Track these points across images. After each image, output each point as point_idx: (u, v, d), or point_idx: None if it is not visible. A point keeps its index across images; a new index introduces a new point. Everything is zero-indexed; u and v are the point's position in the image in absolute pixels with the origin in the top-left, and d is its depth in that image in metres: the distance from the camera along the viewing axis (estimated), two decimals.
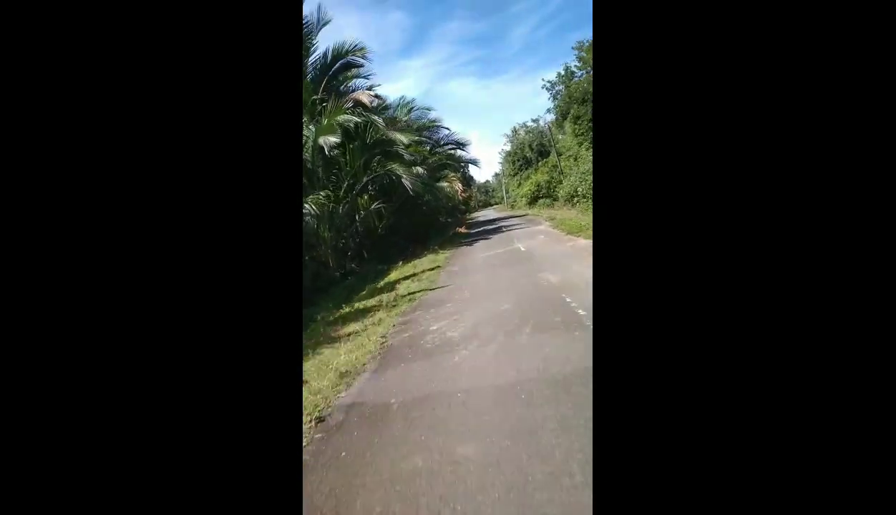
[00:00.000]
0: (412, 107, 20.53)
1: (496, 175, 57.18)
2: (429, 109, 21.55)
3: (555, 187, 31.79)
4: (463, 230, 23.55)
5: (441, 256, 13.52)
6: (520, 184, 40.52)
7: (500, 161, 51.06)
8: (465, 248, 14.83)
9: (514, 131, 47.01)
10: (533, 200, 34.39)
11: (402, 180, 13.86)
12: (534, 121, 44.34)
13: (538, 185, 33.79)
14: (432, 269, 10.94)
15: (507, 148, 47.85)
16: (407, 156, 14.95)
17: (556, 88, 35.33)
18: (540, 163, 37.88)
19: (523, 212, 31.21)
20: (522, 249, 11.52)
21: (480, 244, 15.28)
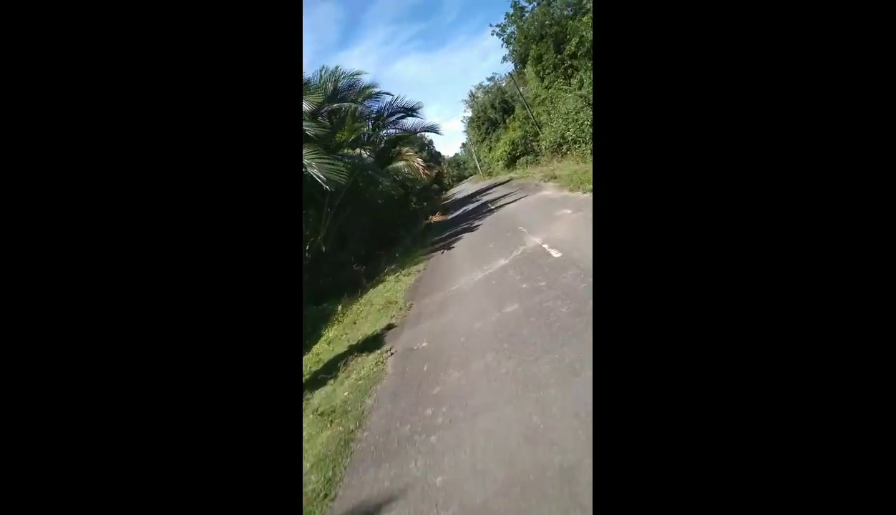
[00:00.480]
0: (339, 77, 13.90)
1: (463, 145, 50.36)
2: (358, 74, 14.68)
3: (531, 140, 25.54)
4: (438, 218, 17.05)
5: (401, 285, 7.24)
6: (490, 149, 33.90)
7: (464, 130, 44.40)
8: (441, 260, 8.41)
9: (472, 96, 40.55)
10: (511, 161, 28.02)
11: (310, 171, 7.45)
12: (489, 79, 38.08)
13: (513, 143, 27.45)
14: (370, 363, 4.58)
15: (469, 114, 41.12)
16: (311, 131, 8.43)
17: (509, 31, 28.60)
18: (508, 121, 31.35)
19: (506, 177, 24.62)
20: (554, 254, 5.18)
21: (465, 243, 8.91)
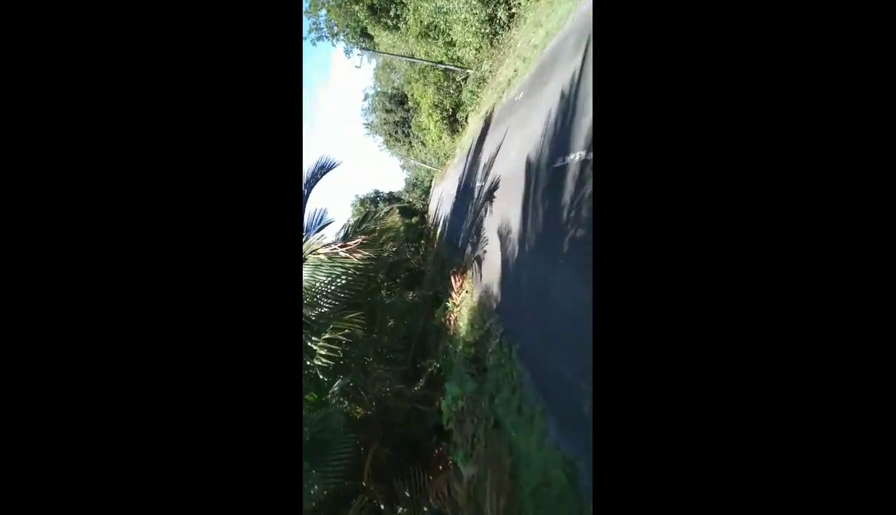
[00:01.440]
0: None
1: (402, 167, 41.66)
2: None
3: (450, 85, 16.52)
4: (461, 291, 7.46)
5: None
6: (423, 142, 24.82)
7: (390, 154, 35.71)
8: None
9: (367, 125, 31.92)
10: (451, 123, 18.83)
11: None
12: (365, 100, 30.98)
13: (437, 106, 18.36)
14: None
15: (381, 139, 32.45)
16: None
17: (321, 17, 19.84)
18: (414, 98, 22.33)
19: (472, 131, 15.29)
20: None
21: None
